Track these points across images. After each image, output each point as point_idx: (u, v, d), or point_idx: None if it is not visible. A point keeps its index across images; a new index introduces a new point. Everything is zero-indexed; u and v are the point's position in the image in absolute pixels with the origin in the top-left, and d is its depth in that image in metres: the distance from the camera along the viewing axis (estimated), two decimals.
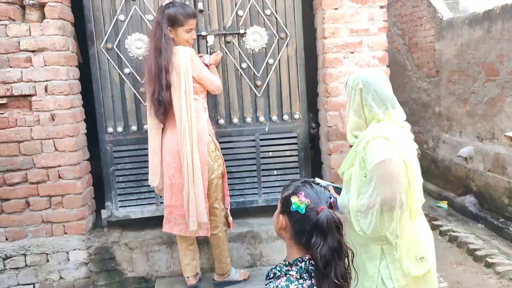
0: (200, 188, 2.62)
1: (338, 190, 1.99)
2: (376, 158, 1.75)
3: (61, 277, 3.08)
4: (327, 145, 3.23)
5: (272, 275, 1.28)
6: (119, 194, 3.25)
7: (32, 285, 3.05)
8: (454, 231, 4.17)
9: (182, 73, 2.58)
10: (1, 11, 2.84)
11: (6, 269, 3.02)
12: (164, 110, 2.65)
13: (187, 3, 3.04)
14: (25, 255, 3.03)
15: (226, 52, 3.22)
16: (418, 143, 2.01)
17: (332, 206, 1.30)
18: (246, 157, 3.33)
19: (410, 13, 5.81)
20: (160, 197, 3.09)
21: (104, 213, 3.24)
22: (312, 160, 3.58)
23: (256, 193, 3.36)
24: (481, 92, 4.42)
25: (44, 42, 2.89)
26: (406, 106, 5.60)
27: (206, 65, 2.87)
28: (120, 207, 3.26)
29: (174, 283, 3.06)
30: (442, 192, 5.16)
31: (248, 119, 3.31)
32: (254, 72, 3.27)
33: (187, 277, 2.90)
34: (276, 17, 3.24)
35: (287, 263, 1.29)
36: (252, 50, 3.25)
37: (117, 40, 3.14)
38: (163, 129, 2.80)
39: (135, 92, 3.19)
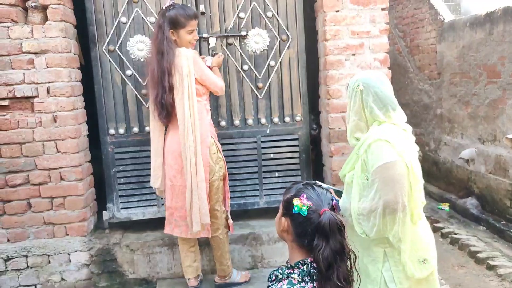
0: (203, 189, 2.62)
1: (339, 193, 1.99)
2: (378, 161, 1.74)
3: (62, 279, 3.08)
4: (329, 147, 3.23)
5: (274, 277, 1.27)
6: (120, 196, 3.26)
7: (33, 287, 3.06)
8: (455, 234, 4.16)
9: (185, 74, 2.59)
10: (3, 13, 2.86)
11: (7, 270, 3.03)
12: (167, 112, 2.66)
13: (189, 5, 3.05)
14: (26, 256, 3.03)
15: (227, 54, 3.22)
16: (419, 145, 2.01)
17: (334, 208, 1.30)
18: (247, 159, 3.33)
19: (411, 15, 5.81)
20: (162, 198, 3.10)
21: (106, 215, 3.24)
22: (313, 162, 3.58)
23: (258, 195, 3.36)
24: (483, 94, 4.41)
25: (46, 44, 2.90)
26: (407, 108, 5.61)
27: (209, 67, 2.87)
28: (121, 208, 3.27)
29: (175, 285, 3.06)
30: (444, 194, 5.14)
31: (250, 121, 3.31)
32: (255, 74, 3.28)
33: (188, 279, 2.90)
34: (277, 19, 3.24)
35: (289, 265, 1.28)
36: (254, 52, 3.25)
37: (119, 42, 3.15)
38: (165, 131, 2.81)
39: (137, 94, 3.20)
